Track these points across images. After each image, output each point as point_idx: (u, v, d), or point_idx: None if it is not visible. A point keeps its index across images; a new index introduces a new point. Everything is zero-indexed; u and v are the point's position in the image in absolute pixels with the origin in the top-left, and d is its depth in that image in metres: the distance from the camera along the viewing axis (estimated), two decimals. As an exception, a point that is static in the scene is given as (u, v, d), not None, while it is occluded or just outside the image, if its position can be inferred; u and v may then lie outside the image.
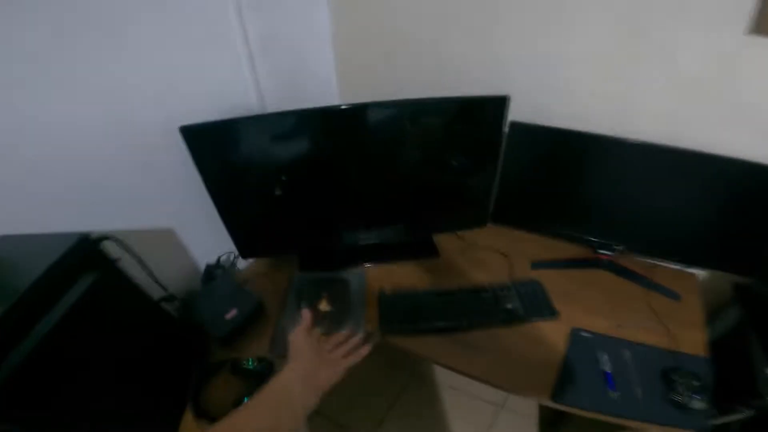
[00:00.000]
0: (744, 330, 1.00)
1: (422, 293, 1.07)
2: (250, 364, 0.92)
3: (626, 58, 0.95)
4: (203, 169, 0.93)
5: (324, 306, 1.04)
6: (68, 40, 0.75)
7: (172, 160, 0.97)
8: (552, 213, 1.19)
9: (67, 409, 0.62)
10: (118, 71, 0.84)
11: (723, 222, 1.00)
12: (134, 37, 0.85)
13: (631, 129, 0.98)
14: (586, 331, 0.98)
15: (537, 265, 1.17)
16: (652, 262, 1.17)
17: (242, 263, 1.25)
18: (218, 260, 1.20)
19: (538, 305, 1.03)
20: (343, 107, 0.93)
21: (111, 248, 0.79)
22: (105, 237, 0.73)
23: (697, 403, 0.81)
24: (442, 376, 1.63)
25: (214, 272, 1.15)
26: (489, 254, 1.22)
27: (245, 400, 0.82)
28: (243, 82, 1.11)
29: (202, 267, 1.19)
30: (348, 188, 1.09)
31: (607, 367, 0.90)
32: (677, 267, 1.16)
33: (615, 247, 1.12)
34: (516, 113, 1.00)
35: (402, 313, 1.02)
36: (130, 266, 0.83)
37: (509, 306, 1.03)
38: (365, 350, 0.70)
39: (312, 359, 0.65)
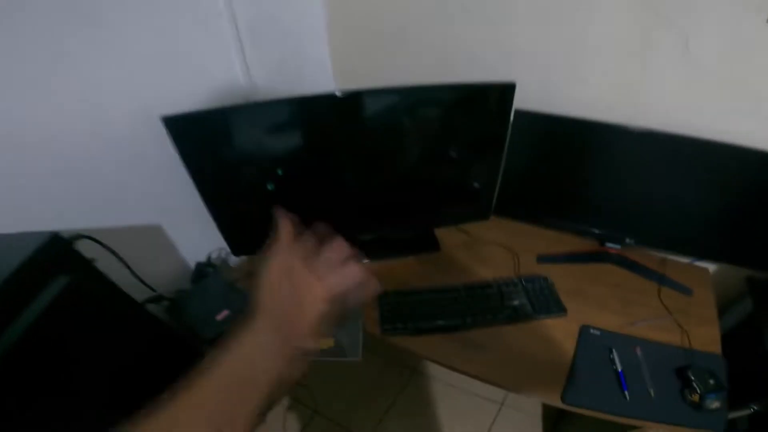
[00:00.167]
0: (757, 325, 0.97)
1: (424, 290, 1.03)
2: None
3: (642, 44, 0.90)
4: (189, 162, 0.87)
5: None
6: (42, 29, 0.70)
7: (157, 153, 0.91)
8: (558, 205, 1.14)
9: (42, 420, 0.58)
10: (96, 59, 0.79)
11: (736, 214, 0.96)
12: (114, 24, 0.79)
13: (644, 118, 0.93)
14: (595, 328, 0.94)
15: (543, 259, 1.13)
16: (662, 255, 1.13)
17: (234, 260, 1.20)
18: (209, 258, 1.15)
19: (546, 301, 0.99)
20: (338, 94, 0.87)
21: (90, 248, 0.74)
22: (79, 236, 0.67)
23: (713, 403, 0.78)
24: (443, 373, 1.59)
25: (204, 270, 1.11)
26: (493, 248, 1.17)
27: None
28: (232, 70, 1.06)
29: (192, 265, 1.14)
30: (345, 180, 1.03)
31: (619, 366, 0.86)
32: (688, 261, 1.12)
33: (625, 240, 1.08)
34: (521, 102, 0.95)
35: (403, 312, 0.98)
36: (113, 266, 0.78)
37: (515, 302, 0.98)
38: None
39: (292, 301, 0.41)
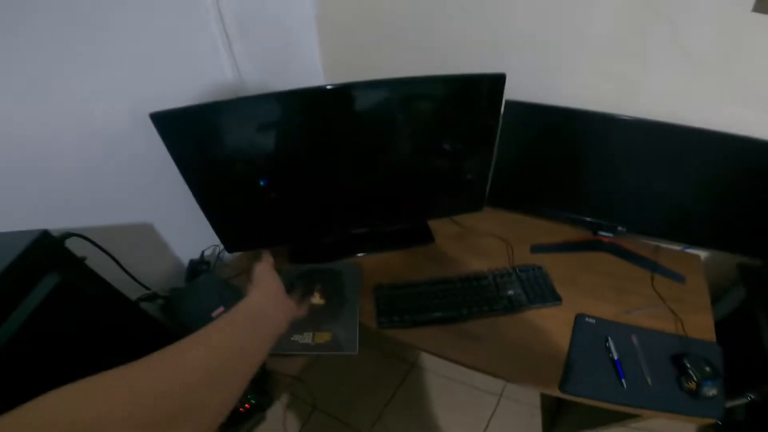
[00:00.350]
0: (750, 312, 0.98)
1: (419, 283, 1.02)
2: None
3: (632, 34, 0.90)
4: (179, 158, 0.86)
5: (317, 299, 0.99)
6: (25, 26, 0.68)
7: (147, 151, 0.90)
8: (551, 194, 1.14)
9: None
10: (79, 57, 0.77)
11: (728, 201, 0.96)
12: (96, 21, 0.78)
13: (635, 107, 0.93)
14: (590, 316, 0.94)
15: (537, 249, 1.13)
16: (655, 243, 1.13)
17: (228, 257, 1.19)
18: (202, 255, 1.14)
19: (541, 291, 0.99)
20: (329, 87, 0.86)
21: (82, 246, 0.73)
22: (70, 234, 0.66)
23: (710, 390, 0.78)
24: (441, 367, 1.60)
25: (198, 268, 1.10)
26: (487, 239, 1.17)
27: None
28: (220, 65, 1.04)
29: (186, 263, 1.13)
30: (337, 174, 1.02)
31: (615, 354, 0.86)
32: (680, 248, 1.13)
33: (618, 228, 1.08)
34: (512, 94, 0.95)
35: (399, 306, 0.97)
36: (107, 265, 0.77)
37: (510, 293, 0.99)
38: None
39: (279, 285, 0.64)
